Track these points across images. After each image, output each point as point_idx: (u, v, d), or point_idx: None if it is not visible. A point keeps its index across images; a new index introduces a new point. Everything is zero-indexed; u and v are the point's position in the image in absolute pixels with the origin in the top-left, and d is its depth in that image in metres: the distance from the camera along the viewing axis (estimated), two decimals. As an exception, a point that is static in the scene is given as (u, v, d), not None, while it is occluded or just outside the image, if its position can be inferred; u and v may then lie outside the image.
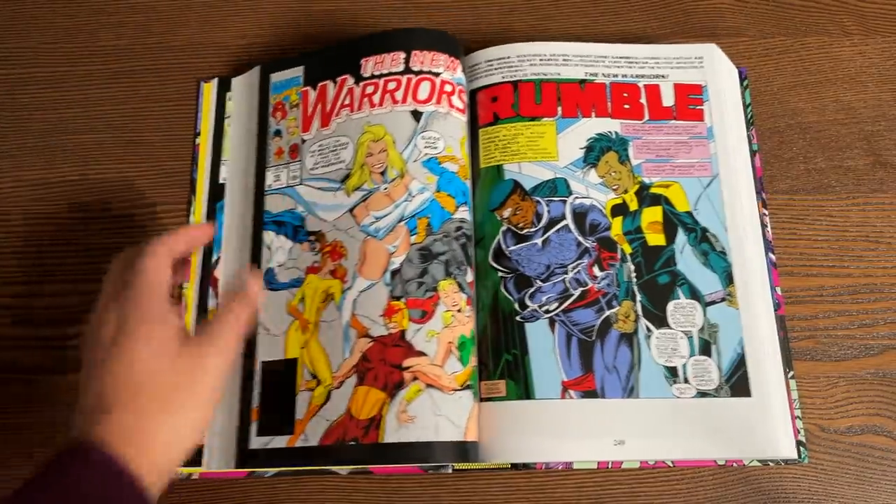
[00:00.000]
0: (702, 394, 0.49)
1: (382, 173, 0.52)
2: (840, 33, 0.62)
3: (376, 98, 0.54)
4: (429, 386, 0.47)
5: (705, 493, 0.50)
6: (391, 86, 0.54)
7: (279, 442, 0.48)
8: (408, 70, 0.54)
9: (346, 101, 0.55)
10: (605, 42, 0.58)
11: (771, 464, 0.50)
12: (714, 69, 0.57)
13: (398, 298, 0.49)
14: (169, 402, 0.38)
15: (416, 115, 0.53)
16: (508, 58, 0.57)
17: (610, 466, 0.50)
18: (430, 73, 0.54)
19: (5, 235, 0.57)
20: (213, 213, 0.57)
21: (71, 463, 0.35)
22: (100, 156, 0.59)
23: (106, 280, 0.44)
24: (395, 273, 0.50)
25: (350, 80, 0.55)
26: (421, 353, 0.48)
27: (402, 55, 0.54)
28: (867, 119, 0.59)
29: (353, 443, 0.47)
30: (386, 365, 0.48)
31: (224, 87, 0.60)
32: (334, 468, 0.50)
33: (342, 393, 0.48)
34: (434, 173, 0.52)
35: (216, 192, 0.57)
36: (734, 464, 0.50)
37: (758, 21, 0.62)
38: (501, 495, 0.51)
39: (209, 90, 0.60)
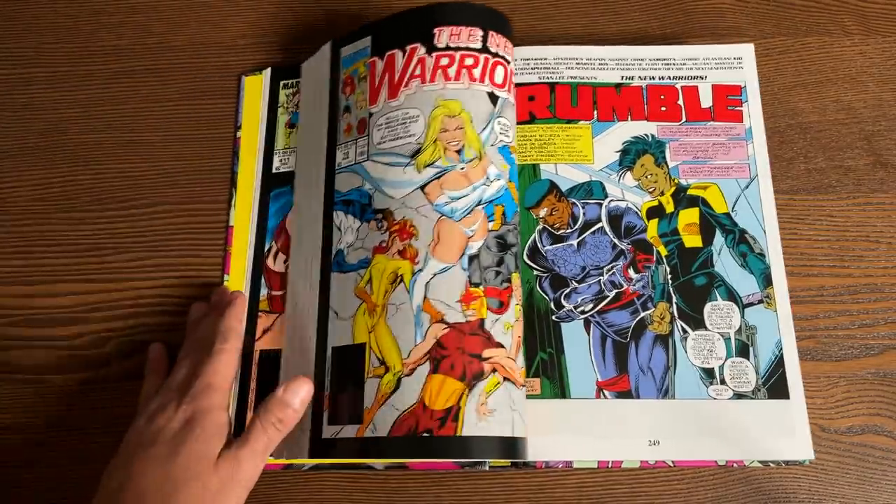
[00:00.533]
0: (738, 395, 0.50)
1: (459, 151, 0.50)
2: (841, 33, 0.62)
3: (451, 71, 0.51)
4: (505, 379, 0.46)
5: (705, 493, 0.50)
6: (468, 61, 0.52)
7: (349, 431, 0.47)
8: (485, 49, 0.52)
9: (417, 72, 0.52)
10: (606, 44, 0.59)
11: (771, 464, 0.50)
12: (752, 69, 0.58)
13: (477, 285, 0.48)
14: None
15: (493, 98, 0.52)
16: (545, 59, 0.58)
17: (610, 466, 0.50)
18: (503, 58, 0.53)
19: (5, 235, 0.57)
20: (265, 203, 0.57)
21: None
22: (100, 156, 0.59)
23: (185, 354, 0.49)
24: (472, 258, 0.48)
25: (421, 50, 0.52)
26: (499, 345, 0.47)
27: (480, 32, 0.52)
28: (867, 119, 0.59)
29: (426, 434, 0.44)
30: (464, 354, 0.46)
31: (278, 77, 0.60)
32: (370, 461, 0.49)
33: (413, 381, 0.46)
34: (507, 162, 0.51)
35: (270, 181, 0.57)
36: (735, 464, 0.50)
37: (758, 21, 0.62)
38: (501, 495, 0.51)
39: (253, 83, 0.60)
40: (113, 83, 0.61)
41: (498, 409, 0.45)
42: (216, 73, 0.61)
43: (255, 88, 0.60)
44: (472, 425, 0.44)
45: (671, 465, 0.50)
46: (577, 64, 0.58)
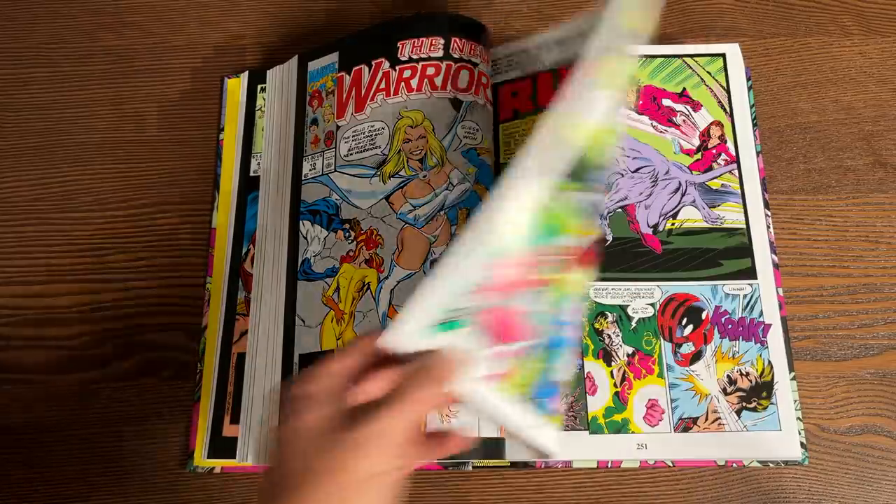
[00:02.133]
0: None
1: (421, 160, 0.52)
2: (840, 33, 0.62)
3: (414, 83, 0.53)
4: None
5: (705, 493, 0.50)
6: (430, 71, 0.53)
7: None
8: (448, 56, 0.53)
9: (382, 86, 0.54)
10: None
11: (771, 464, 0.50)
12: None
13: None
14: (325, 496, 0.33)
15: (456, 103, 0.53)
16: (526, 50, 0.58)
17: (610, 466, 0.50)
18: (469, 62, 0.54)
19: (5, 235, 0.57)
20: (243, 205, 0.57)
21: None
22: (100, 156, 0.59)
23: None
24: (434, 263, 0.49)
25: (385, 64, 0.54)
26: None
27: (442, 41, 0.54)
28: (867, 119, 0.59)
29: None
30: None
31: (255, 81, 0.60)
32: None
33: None
34: (473, 164, 0.51)
35: (247, 184, 0.57)
36: (734, 464, 0.50)
37: (758, 21, 0.62)
38: (501, 495, 0.51)
39: (235, 85, 0.60)
40: (113, 83, 0.61)
41: (462, 410, 0.46)
42: (216, 74, 0.61)
43: (237, 91, 0.60)
44: (435, 426, 0.46)
45: (671, 465, 0.50)
46: (558, 45, 0.57)
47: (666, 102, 0.57)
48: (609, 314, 0.52)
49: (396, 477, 0.34)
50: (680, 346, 0.51)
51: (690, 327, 0.51)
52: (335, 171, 0.54)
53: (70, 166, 0.59)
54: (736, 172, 0.55)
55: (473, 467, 0.50)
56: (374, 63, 0.55)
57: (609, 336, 0.51)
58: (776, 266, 0.53)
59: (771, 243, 0.54)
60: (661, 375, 0.50)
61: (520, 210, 0.37)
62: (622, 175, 0.55)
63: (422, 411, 0.35)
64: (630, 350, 0.51)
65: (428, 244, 0.50)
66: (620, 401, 0.50)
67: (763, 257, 0.53)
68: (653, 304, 0.52)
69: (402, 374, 0.35)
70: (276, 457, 0.35)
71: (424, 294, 0.35)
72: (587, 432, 0.49)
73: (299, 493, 0.33)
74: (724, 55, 0.58)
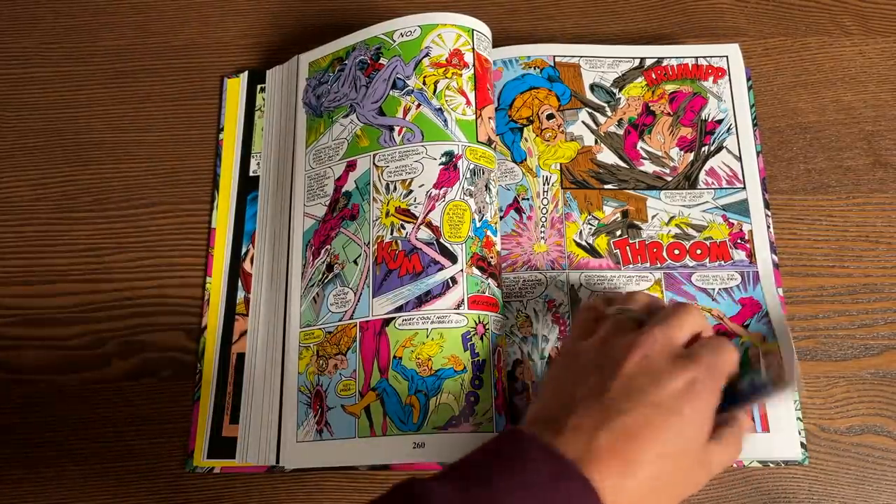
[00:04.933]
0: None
1: None
2: (840, 33, 0.62)
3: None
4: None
5: (705, 493, 0.50)
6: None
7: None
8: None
9: None
10: (606, 44, 0.59)
11: (771, 464, 0.50)
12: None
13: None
14: (670, 490, 0.37)
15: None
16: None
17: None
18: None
19: (5, 235, 0.57)
20: (242, 205, 0.57)
21: (554, 479, 0.34)
22: (99, 156, 0.59)
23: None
24: None
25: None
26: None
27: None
28: (867, 119, 0.59)
29: None
30: None
31: (255, 81, 0.60)
32: (356, 464, 0.50)
33: None
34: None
35: (247, 184, 0.57)
36: (734, 464, 0.50)
37: (758, 21, 0.62)
38: (501, 495, 0.50)
39: (234, 85, 0.60)
40: (113, 83, 0.61)
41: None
42: (216, 74, 0.61)
43: (236, 91, 0.60)
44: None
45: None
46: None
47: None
48: None
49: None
50: None
51: None
52: None
53: (70, 166, 0.59)
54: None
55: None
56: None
57: None
58: (776, 266, 0.53)
59: (771, 243, 0.54)
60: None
61: None
62: None
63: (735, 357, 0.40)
64: None
65: None
66: None
67: (763, 257, 0.53)
68: None
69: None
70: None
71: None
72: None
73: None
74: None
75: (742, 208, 0.55)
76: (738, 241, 0.54)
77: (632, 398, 0.36)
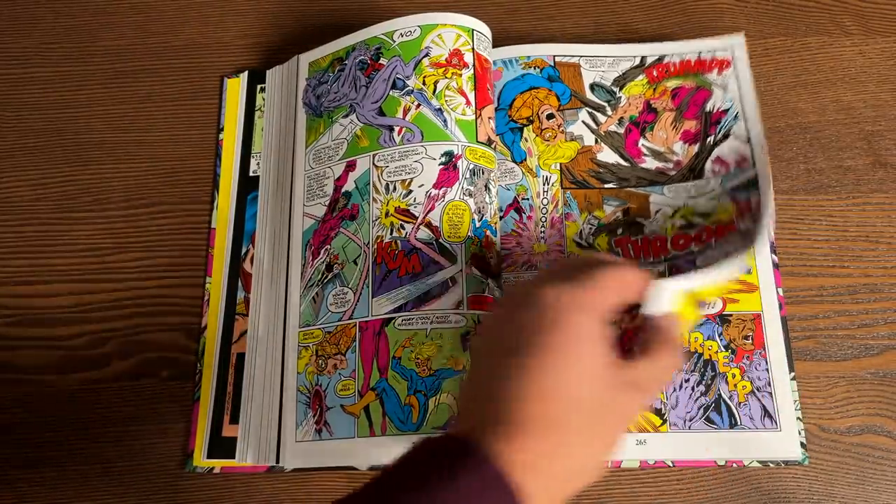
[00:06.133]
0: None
1: None
2: (840, 33, 0.62)
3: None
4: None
5: (705, 493, 0.50)
6: None
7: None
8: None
9: None
10: (607, 42, 0.59)
11: (771, 464, 0.50)
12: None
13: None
14: (588, 435, 0.33)
15: None
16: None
17: (610, 466, 0.50)
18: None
19: (5, 235, 0.57)
20: (242, 205, 0.57)
21: (462, 474, 0.31)
22: (100, 156, 0.59)
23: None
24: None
25: None
26: None
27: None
28: (867, 119, 0.59)
29: None
30: None
31: (255, 81, 0.60)
32: (355, 464, 0.50)
33: None
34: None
35: (247, 184, 0.57)
36: (734, 464, 0.50)
37: (758, 21, 0.62)
38: (501, 495, 0.50)
39: (234, 85, 0.60)
40: (113, 83, 0.61)
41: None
42: (216, 74, 0.61)
43: (236, 91, 0.60)
44: None
45: (671, 465, 0.50)
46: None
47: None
48: None
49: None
50: None
51: None
52: None
53: (70, 166, 0.59)
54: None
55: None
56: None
57: None
58: (776, 266, 0.53)
59: (771, 243, 0.54)
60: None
61: None
62: None
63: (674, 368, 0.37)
64: None
65: None
66: None
67: (763, 257, 0.53)
68: None
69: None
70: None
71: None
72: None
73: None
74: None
75: (752, 185, 0.52)
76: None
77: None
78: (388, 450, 0.46)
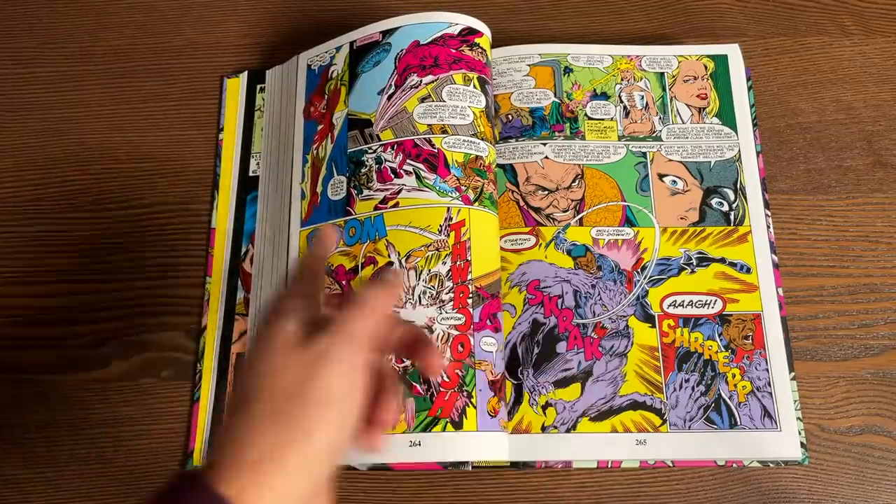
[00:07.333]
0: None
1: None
2: (840, 33, 0.62)
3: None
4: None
5: (705, 493, 0.50)
6: None
7: None
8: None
9: None
10: (608, 43, 0.59)
11: (771, 464, 0.50)
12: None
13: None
14: (299, 424, 0.31)
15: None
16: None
17: (610, 466, 0.50)
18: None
19: (5, 235, 0.57)
20: (242, 205, 0.57)
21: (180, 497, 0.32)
22: (100, 155, 0.59)
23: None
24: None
25: None
26: None
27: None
28: (867, 119, 0.59)
29: None
30: None
31: (254, 81, 0.60)
32: (355, 464, 0.49)
33: None
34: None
35: (246, 184, 0.57)
36: (734, 464, 0.50)
37: (758, 21, 0.62)
38: (501, 495, 0.51)
39: (234, 85, 0.60)
40: (113, 83, 0.61)
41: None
42: (216, 74, 0.61)
43: (236, 90, 0.60)
44: None
45: (671, 465, 0.50)
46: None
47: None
48: None
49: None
50: None
51: None
52: None
53: (70, 166, 0.59)
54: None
55: (473, 467, 0.50)
56: None
57: None
58: (776, 266, 0.53)
59: (771, 243, 0.54)
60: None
61: None
62: None
63: (379, 316, 0.34)
64: None
65: None
66: None
67: (763, 257, 0.53)
68: None
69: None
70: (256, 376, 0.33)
71: None
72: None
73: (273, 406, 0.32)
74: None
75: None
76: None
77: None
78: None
